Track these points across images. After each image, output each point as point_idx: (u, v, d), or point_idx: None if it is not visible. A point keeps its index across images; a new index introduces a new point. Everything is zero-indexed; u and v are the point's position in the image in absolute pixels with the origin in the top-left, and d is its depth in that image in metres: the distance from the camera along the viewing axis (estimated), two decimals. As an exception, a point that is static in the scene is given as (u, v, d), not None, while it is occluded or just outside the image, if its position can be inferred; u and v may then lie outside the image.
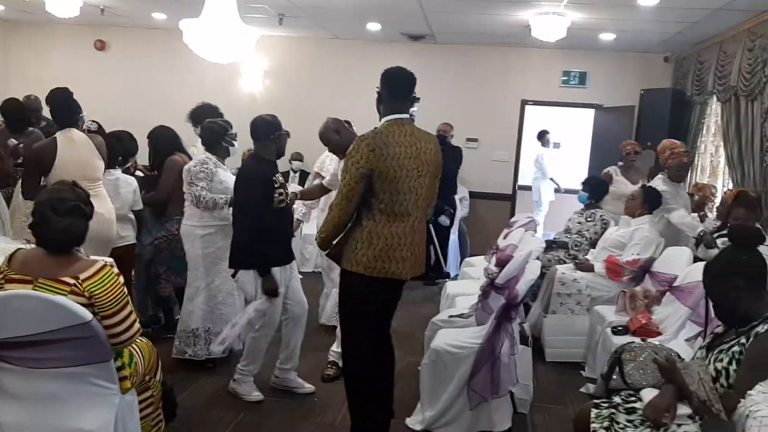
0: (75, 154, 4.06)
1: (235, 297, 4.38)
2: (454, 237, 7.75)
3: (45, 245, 2.48)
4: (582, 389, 4.28)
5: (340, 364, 4.24)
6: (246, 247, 3.70)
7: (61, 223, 2.45)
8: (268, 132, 3.75)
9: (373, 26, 7.50)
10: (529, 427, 3.79)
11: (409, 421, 3.63)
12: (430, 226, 6.90)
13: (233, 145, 4.31)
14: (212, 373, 4.19)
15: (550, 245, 5.59)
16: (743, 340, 2.27)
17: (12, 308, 2.35)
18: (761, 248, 2.44)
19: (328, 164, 4.92)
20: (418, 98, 5.73)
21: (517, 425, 3.71)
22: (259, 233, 3.64)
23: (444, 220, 7.04)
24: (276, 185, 3.70)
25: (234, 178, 4.12)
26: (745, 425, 1.84)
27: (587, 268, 4.96)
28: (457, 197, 7.99)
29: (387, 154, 2.94)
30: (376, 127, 3.07)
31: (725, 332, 2.42)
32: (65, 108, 4.16)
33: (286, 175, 7.56)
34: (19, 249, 2.61)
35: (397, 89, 3.13)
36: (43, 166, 4.02)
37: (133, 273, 4.98)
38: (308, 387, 4.03)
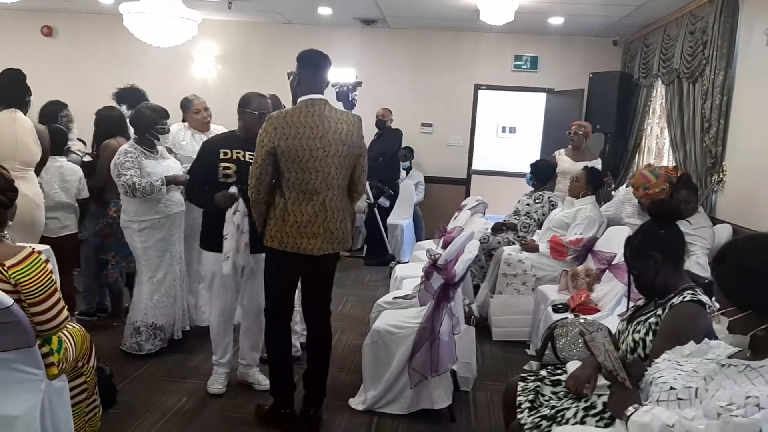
0: (11, 133, 3.98)
1: (177, 288, 4.37)
2: (409, 221, 7.82)
3: (-38, 232, 2.44)
4: (526, 366, 4.36)
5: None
6: (205, 226, 3.77)
7: None
8: (239, 107, 3.72)
9: (325, 11, 7.46)
10: (471, 405, 3.85)
11: (352, 402, 3.67)
12: (375, 209, 6.99)
13: (158, 139, 4.18)
14: (157, 361, 4.17)
15: (500, 227, 5.68)
16: (660, 312, 2.34)
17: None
18: (679, 223, 2.51)
19: None
20: (360, 82, 5.77)
21: (460, 403, 3.78)
22: (206, 211, 3.69)
23: (384, 201, 7.20)
24: (223, 157, 3.63)
25: (165, 163, 4.17)
26: (649, 391, 1.91)
27: (532, 248, 5.05)
28: (412, 182, 8.08)
29: (289, 133, 3.08)
30: (297, 105, 3.19)
31: (645, 305, 2.49)
32: (14, 88, 4.08)
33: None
34: (-60, 236, 2.56)
35: (310, 70, 3.21)
36: None
37: (80, 261, 4.94)
38: (266, 384, 3.84)
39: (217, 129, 4.85)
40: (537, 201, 5.65)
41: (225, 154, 3.64)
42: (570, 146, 6.16)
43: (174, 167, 4.27)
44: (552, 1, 6.40)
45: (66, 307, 2.58)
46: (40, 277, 2.45)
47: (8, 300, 2.30)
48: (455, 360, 3.61)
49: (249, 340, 3.88)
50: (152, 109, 4.24)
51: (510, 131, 9.90)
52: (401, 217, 7.68)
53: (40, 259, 2.50)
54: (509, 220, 5.75)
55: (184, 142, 4.77)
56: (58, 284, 2.57)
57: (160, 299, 4.24)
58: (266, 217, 3.23)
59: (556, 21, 7.29)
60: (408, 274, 4.90)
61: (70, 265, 4.73)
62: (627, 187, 5.75)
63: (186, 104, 4.87)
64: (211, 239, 3.66)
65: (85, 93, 8.09)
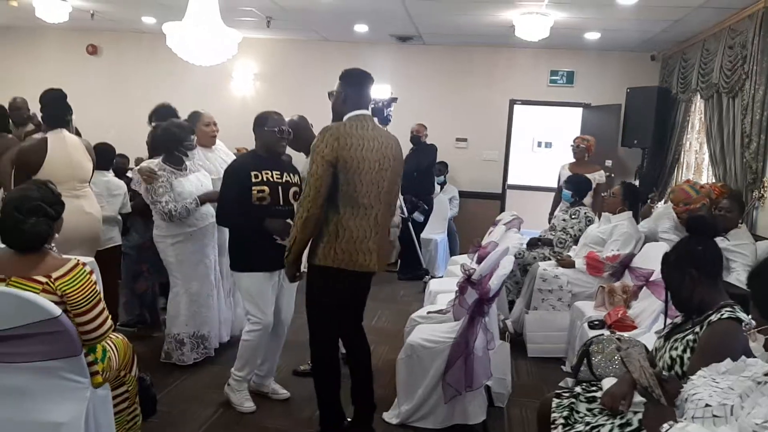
0: (65, 154, 4.10)
1: (214, 298, 4.44)
2: (443, 236, 7.83)
3: (9, 244, 2.54)
4: (561, 383, 4.31)
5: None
6: (234, 246, 3.72)
7: (24, 223, 2.50)
8: (253, 128, 3.72)
9: (361, 28, 7.57)
10: (505, 421, 3.84)
11: (386, 416, 3.67)
12: (409, 223, 7.03)
13: (186, 156, 4.26)
14: (196, 372, 4.25)
15: (535, 242, 5.65)
16: (697, 329, 2.32)
17: (-17, 304, 2.41)
18: (717, 240, 2.49)
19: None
20: (395, 98, 5.84)
21: (494, 419, 3.76)
22: (239, 231, 3.67)
23: (418, 216, 7.20)
24: (255, 180, 3.60)
25: (194, 178, 4.22)
26: (685, 408, 1.89)
27: (568, 264, 5.01)
28: (447, 196, 8.09)
29: (350, 144, 3.04)
30: (347, 120, 3.17)
31: (683, 322, 2.47)
32: (57, 108, 4.18)
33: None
34: (-9, 248, 2.67)
35: (356, 88, 3.23)
36: (32, 166, 4.07)
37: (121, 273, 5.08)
38: (283, 393, 3.94)
39: (221, 144, 4.92)
40: (573, 216, 5.62)
41: (256, 176, 3.61)
42: (574, 159, 6.28)
43: (204, 181, 4.34)
44: (588, 17, 6.39)
45: (110, 317, 2.67)
46: (85, 288, 2.54)
47: (57, 310, 2.39)
48: (490, 375, 3.61)
49: (271, 352, 3.90)
50: (178, 126, 4.33)
51: (546, 146, 9.86)
52: (435, 231, 7.69)
53: (85, 270, 2.59)
54: (545, 235, 5.73)
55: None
56: (101, 295, 2.66)
57: (198, 310, 4.32)
58: (315, 234, 3.13)
59: (593, 36, 7.27)
60: (442, 288, 4.91)
61: (114, 276, 4.85)
62: (665, 203, 5.69)
63: (195, 117, 4.80)
64: (242, 260, 3.68)
65: (129, 110, 8.34)
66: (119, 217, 4.82)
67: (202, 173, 4.39)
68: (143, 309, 5.12)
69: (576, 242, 5.42)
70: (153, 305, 5.03)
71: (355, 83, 3.24)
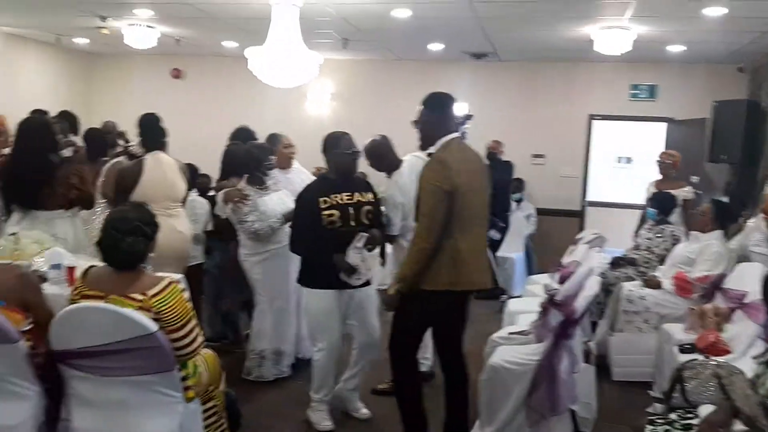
0: (161, 174, 4.31)
1: (295, 315, 4.50)
2: (520, 254, 7.70)
3: (109, 263, 2.65)
4: (649, 409, 4.15)
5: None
6: (304, 263, 3.79)
7: (123, 243, 2.60)
8: (325, 150, 3.76)
9: (436, 46, 7.60)
10: (591, 447, 3.72)
11: (468, 437, 3.62)
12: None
13: (267, 175, 4.37)
14: (276, 388, 4.31)
15: (619, 262, 5.49)
16: (805, 356, 2.19)
17: (85, 320, 2.52)
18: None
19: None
20: (471, 116, 5.80)
21: (579, 444, 3.65)
22: (310, 253, 3.71)
23: (494, 234, 7.07)
24: (324, 206, 3.61)
25: (276, 197, 4.30)
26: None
27: (655, 284, 4.84)
28: (523, 214, 7.97)
29: (459, 170, 3.10)
30: (440, 147, 3.20)
31: (788, 348, 2.34)
32: (154, 131, 4.42)
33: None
34: (92, 266, 2.80)
35: (443, 111, 3.29)
36: (128, 185, 4.27)
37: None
38: (364, 412, 3.94)
39: (297, 165, 5.00)
40: (658, 235, 5.42)
41: (325, 202, 3.62)
42: (660, 176, 6.03)
43: (286, 201, 4.40)
44: (672, 29, 6.21)
45: (201, 333, 2.74)
46: (178, 305, 2.62)
47: (153, 326, 2.48)
48: (576, 400, 3.50)
49: (357, 369, 3.92)
50: (258, 147, 4.47)
51: (626, 161, 9.59)
52: (512, 250, 7.57)
53: (178, 288, 2.68)
54: (628, 254, 5.55)
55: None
56: (193, 312, 2.74)
57: (280, 327, 4.39)
58: (430, 261, 3.11)
59: (676, 49, 7.04)
60: (522, 309, 4.82)
61: (197, 293, 5.00)
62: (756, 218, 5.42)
63: (275, 139, 4.93)
64: (312, 276, 3.71)
65: (209, 131, 8.61)
66: (202, 236, 4.97)
67: (284, 192, 4.48)
68: (225, 325, 5.25)
69: (661, 262, 5.23)
70: (234, 322, 5.15)
71: (441, 107, 3.29)
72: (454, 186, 3.05)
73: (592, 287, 3.53)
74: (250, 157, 4.39)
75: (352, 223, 3.66)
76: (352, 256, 3.56)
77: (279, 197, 4.39)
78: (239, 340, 5.08)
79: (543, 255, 7.74)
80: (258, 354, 4.37)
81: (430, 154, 3.27)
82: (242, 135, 5.36)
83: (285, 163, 4.84)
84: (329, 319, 3.70)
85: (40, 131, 4.06)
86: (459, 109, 5.66)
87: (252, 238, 4.20)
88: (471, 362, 4.74)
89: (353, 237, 3.59)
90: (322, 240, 3.61)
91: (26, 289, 2.68)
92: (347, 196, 3.69)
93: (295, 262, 4.43)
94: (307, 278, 3.76)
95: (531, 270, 7.68)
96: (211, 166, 6.52)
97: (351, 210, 3.68)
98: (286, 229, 4.31)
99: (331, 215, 3.61)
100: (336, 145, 3.72)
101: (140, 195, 4.17)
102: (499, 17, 5.96)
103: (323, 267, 3.62)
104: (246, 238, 4.28)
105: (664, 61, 7.75)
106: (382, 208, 4.14)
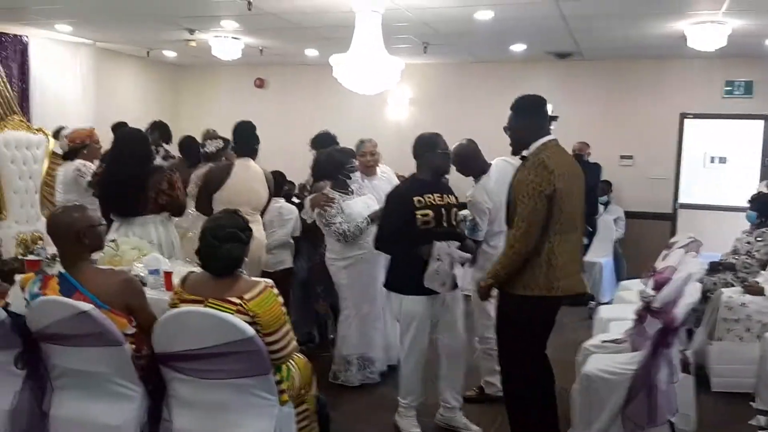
0: (245, 181, 4.43)
1: (382, 321, 4.50)
2: (608, 259, 7.46)
3: (208, 269, 2.73)
4: (752, 422, 3.94)
5: (487, 389, 4.22)
6: (393, 267, 3.77)
7: (222, 249, 2.67)
8: (420, 151, 3.73)
9: (518, 47, 7.47)
10: (692, 460, 3.54)
11: (561, 447, 3.53)
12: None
13: (349, 178, 4.38)
14: (365, 393, 4.33)
15: (716, 267, 5.23)
16: None
17: (186, 323, 2.60)
18: None
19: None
20: (556, 117, 5.67)
21: (679, 458, 3.49)
22: (402, 256, 3.67)
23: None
24: (418, 205, 3.60)
25: (360, 201, 4.31)
26: None
27: (756, 291, 4.58)
28: (611, 217, 7.72)
29: (560, 173, 3.06)
30: (535, 150, 3.17)
31: None
32: (247, 138, 4.55)
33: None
34: (191, 272, 2.89)
35: (537, 115, 3.26)
36: (212, 186, 4.42)
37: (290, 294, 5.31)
38: (474, 429, 3.80)
39: (385, 170, 4.99)
40: (759, 239, 5.14)
41: (419, 201, 3.60)
42: None
43: (371, 204, 4.43)
44: (770, 22, 5.88)
45: (294, 337, 2.78)
46: (273, 308, 2.68)
47: (251, 330, 2.53)
48: (675, 411, 3.35)
49: (451, 381, 3.82)
50: (340, 151, 4.51)
51: (720, 161, 9.13)
52: (600, 254, 7.33)
53: (273, 292, 2.73)
54: (726, 259, 5.28)
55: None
56: (287, 316, 2.78)
57: (367, 332, 4.40)
58: (522, 265, 3.11)
59: (775, 42, 6.67)
60: (614, 315, 4.66)
61: (286, 297, 5.09)
62: None
63: (358, 146, 4.93)
64: (403, 281, 3.67)
65: (292, 138, 8.78)
66: (291, 241, 5.06)
67: (368, 197, 4.51)
68: (313, 328, 5.32)
69: (763, 267, 4.95)
70: (322, 325, 5.21)
71: (531, 110, 3.26)
72: (554, 189, 3.03)
73: (692, 294, 3.38)
74: (331, 161, 4.44)
75: (444, 224, 3.66)
76: (442, 262, 3.52)
77: (364, 201, 4.42)
78: (325, 343, 5.14)
79: (633, 260, 7.48)
80: (344, 359, 4.40)
81: (523, 158, 3.23)
82: (323, 140, 5.42)
83: (367, 171, 4.86)
84: (420, 324, 3.67)
85: (135, 141, 4.25)
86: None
87: (340, 240, 4.23)
88: (560, 371, 4.62)
89: (444, 238, 3.58)
90: (414, 240, 3.57)
91: (130, 293, 2.78)
92: (438, 197, 3.68)
93: (381, 267, 4.45)
94: (399, 283, 3.73)
95: (620, 275, 7.43)
96: (293, 173, 6.65)
97: (443, 211, 3.66)
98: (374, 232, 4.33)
99: (425, 215, 3.59)
100: (434, 145, 3.71)
101: (223, 199, 4.31)
102: (585, 15, 5.80)
103: (415, 270, 3.56)
104: (333, 241, 4.31)
105: (761, 57, 7.33)
106: (467, 213, 4.09)
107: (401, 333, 3.78)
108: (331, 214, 4.22)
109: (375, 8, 5.04)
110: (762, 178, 7.51)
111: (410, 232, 3.59)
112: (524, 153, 3.23)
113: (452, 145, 4.00)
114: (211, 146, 5.61)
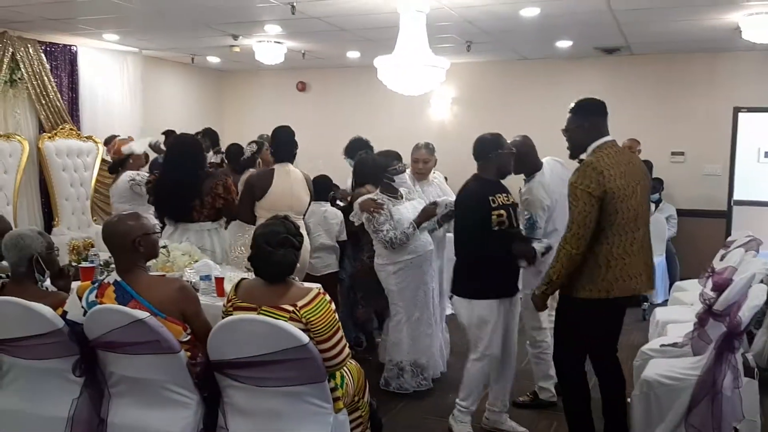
0: (287, 186, 4.44)
1: (434, 326, 4.44)
2: (661, 258, 7.25)
3: (263, 276, 2.72)
4: (823, 427, 3.77)
5: (541, 395, 4.14)
6: (464, 272, 3.66)
7: (275, 255, 2.67)
8: (486, 151, 3.66)
9: (564, 43, 7.32)
10: (758, 469, 3.40)
11: (620, 455, 3.42)
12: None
13: (393, 180, 4.30)
14: (416, 399, 4.27)
15: (777, 266, 5.03)
16: None
17: (240, 331, 2.60)
18: None
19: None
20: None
21: (745, 466, 3.35)
22: (478, 259, 3.58)
23: None
24: (493, 205, 3.54)
25: (410, 205, 4.26)
26: None
27: (823, 291, 4.37)
28: (663, 215, 7.51)
29: (613, 174, 3.03)
30: (590, 152, 3.18)
31: None
32: (286, 144, 4.56)
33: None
34: (243, 279, 2.89)
35: (596, 116, 3.24)
36: (257, 192, 4.43)
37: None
38: (522, 430, 3.78)
39: (437, 176, 4.94)
40: (823, 236, 4.92)
41: (493, 201, 3.55)
42: None
43: (419, 208, 4.36)
44: (832, 9, 5.62)
45: (348, 344, 2.75)
46: (327, 315, 2.66)
47: (305, 338, 2.51)
48: (741, 418, 3.22)
49: (502, 385, 3.79)
50: (383, 154, 4.47)
51: (773, 157, 8.83)
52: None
53: (326, 299, 2.71)
54: (788, 258, 5.07)
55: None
56: (340, 323, 2.75)
57: (418, 338, 4.33)
58: (577, 268, 3.09)
59: (836, 31, 6.38)
60: (671, 318, 4.52)
61: (333, 300, 5.07)
62: None
63: (413, 150, 4.84)
64: (475, 286, 3.59)
65: (333, 141, 8.75)
66: (336, 245, 5.05)
67: (418, 201, 4.45)
68: (359, 333, 5.30)
69: (828, 266, 4.72)
70: (368, 329, 5.18)
71: (591, 112, 3.24)
72: (605, 191, 3.01)
73: (757, 296, 3.25)
74: (374, 164, 4.42)
75: (515, 224, 3.66)
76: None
77: (413, 206, 4.36)
78: (372, 347, 5.11)
79: (686, 259, 7.27)
80: (396, 365, 4.34)
81: (581, 161, 3.19)
82: (355, 146, 5.39)
83: (418, 177, 4.79)
84: (494, 328, 3.59)
85: (191, 146, 4.31)
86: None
87: (387, 246, 4.19)
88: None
89: (517, 238, 3.60)
90: (490, 242, 3.52)
91: (185, 301, 2.79)
92: (505, 196, 3.64)
93: (431, 272, 4.40)
94: (470, 288, 3.62)
95: (674, 275, 7.23)
96: (334, 175, 6.65)
97: (512, 211, 3.65)
98: (423, 238, 4.28)
99: (500, 215, 3.54)
100: (499, 144, 3.66)
101: (267, 205, 4.32)
102: (634, 9, 5.64)
103: (490, 274, 3.52)
104: (381, 247, 4.27)
105: (819, 47, 7.04)
106: (525, 211, 4.01)
107: (473, 337, 3.66)
108: (379, 221, 4.17)
109: (420, 8, 4.99)
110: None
111: (485, 234, 3.53)
112: (582, 156, 3.22)
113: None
114: (247, 151, 5.68)
